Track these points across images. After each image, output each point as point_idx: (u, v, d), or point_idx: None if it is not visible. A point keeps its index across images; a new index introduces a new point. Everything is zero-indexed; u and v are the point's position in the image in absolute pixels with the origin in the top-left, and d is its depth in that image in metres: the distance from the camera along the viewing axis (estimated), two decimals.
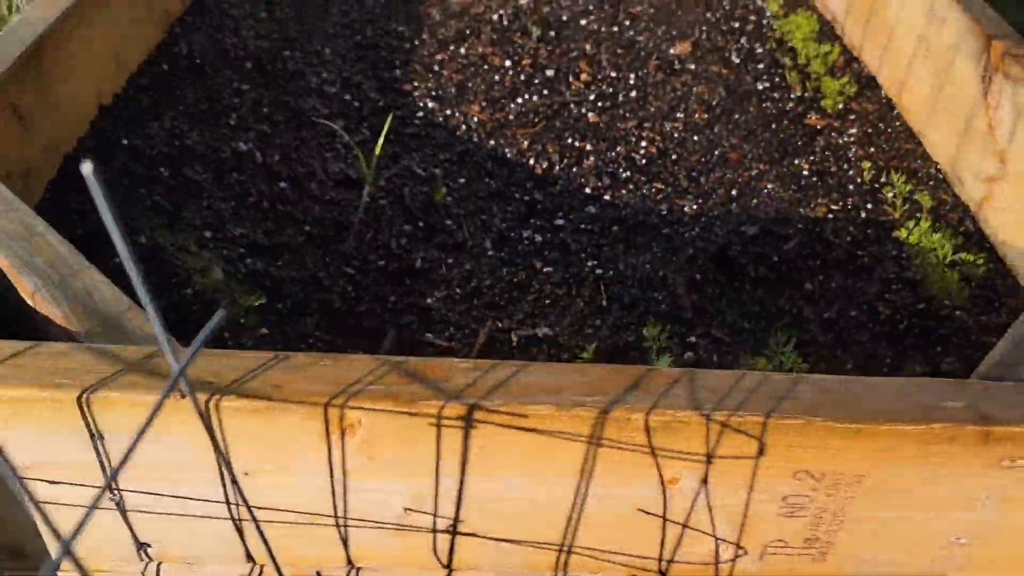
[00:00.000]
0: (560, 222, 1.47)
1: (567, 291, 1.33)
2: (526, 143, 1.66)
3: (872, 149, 1.67)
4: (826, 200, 1.54)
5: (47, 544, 0.86)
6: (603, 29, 2.08)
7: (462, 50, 1.96)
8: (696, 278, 1.36)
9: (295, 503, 0.83)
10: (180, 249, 1.29)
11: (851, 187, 1.58)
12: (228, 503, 0.83)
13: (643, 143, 1.68)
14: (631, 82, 1.88)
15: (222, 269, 1.28)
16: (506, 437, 0.78)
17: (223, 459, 0.77)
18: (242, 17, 1.98)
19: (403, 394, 0.77)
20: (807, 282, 1.37)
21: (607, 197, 1.54)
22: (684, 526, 0.85)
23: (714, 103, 1.81)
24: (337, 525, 0.84)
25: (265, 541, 0.70)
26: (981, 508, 0.83)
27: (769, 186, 1.58)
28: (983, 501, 0.82)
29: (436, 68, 1.89)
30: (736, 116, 1.77)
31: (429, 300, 1.30)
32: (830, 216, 1.50)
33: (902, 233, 1.43)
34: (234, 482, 0.80)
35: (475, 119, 1.73)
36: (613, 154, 1.65)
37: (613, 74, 1.90)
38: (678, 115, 1.77)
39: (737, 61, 1.96)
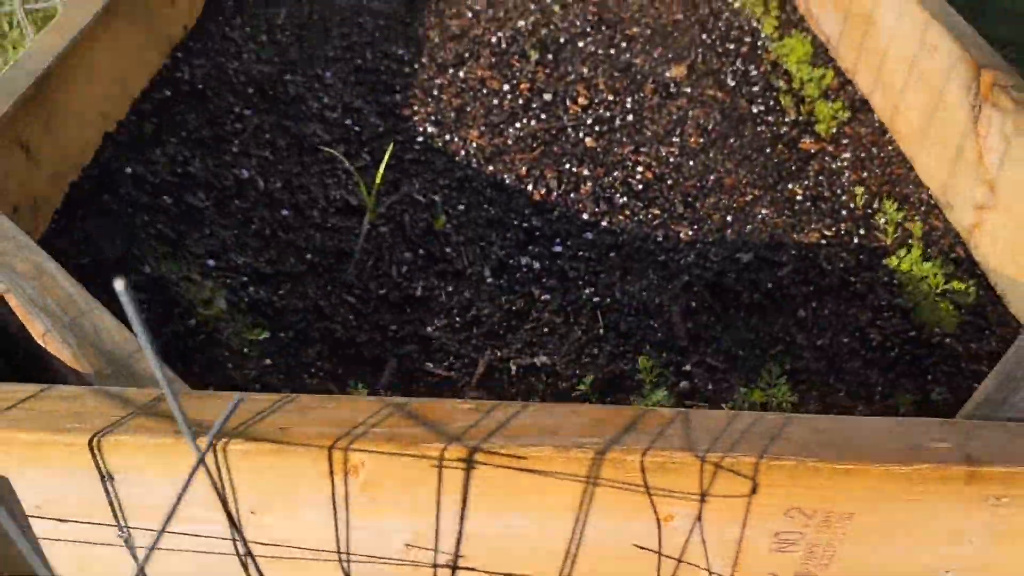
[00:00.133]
0: (558, 249, 1.50)
1: (565, 319, 1.35)
2: (524, 169, 1.69)
3: (865, 174, 1.70)
4: (819, 226, 1.57)
5: None
6: (600, 51, 2.10)
7: (461, 73, 1.99)
8: (691, 305, 1.39)
9: (300, 540, 0.85)
10: (183, 279, 1.31)
11: (844, 212, 1.60)
12: (234, 540, 0.85)
13: (639, 168, 1.71)
14: (628, 106, 1.90)
15: (225, 298, 1.31)
16: (506, 478, 0.80)
17: (225, 503, 0.79)
18: (243, 40, 2.01)
19: (405, 436, 0.79)
20: (800, 309, 1.39)
21: (604, 223, 1.56)
22: (679, 560, 0.87)
23: (709, 127, 1.83)
24: (340, 561, 0.86)
25: None
26: (968, 543, 0.85)
27: (763, 211, 1.61)
28: (970, 537, 0.85)
29: (435, 92, 1.92)
30: (731, 140, 1.80)
31: (429, 329, 1.32)
32: (823, 242, 1.53)
33: (893, 261, 1.45)
34: (232, 524, 0.82)
35: (474, 144, 1.75)
36: (610, 179, 1.68)
37: (610, 98, 1.93)
38: (674, 139, 1.80)
39: (732, 84, 1.98)
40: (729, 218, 1.59)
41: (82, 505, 0.82)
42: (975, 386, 1.23)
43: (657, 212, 1.60)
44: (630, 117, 1.86)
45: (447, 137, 1.78)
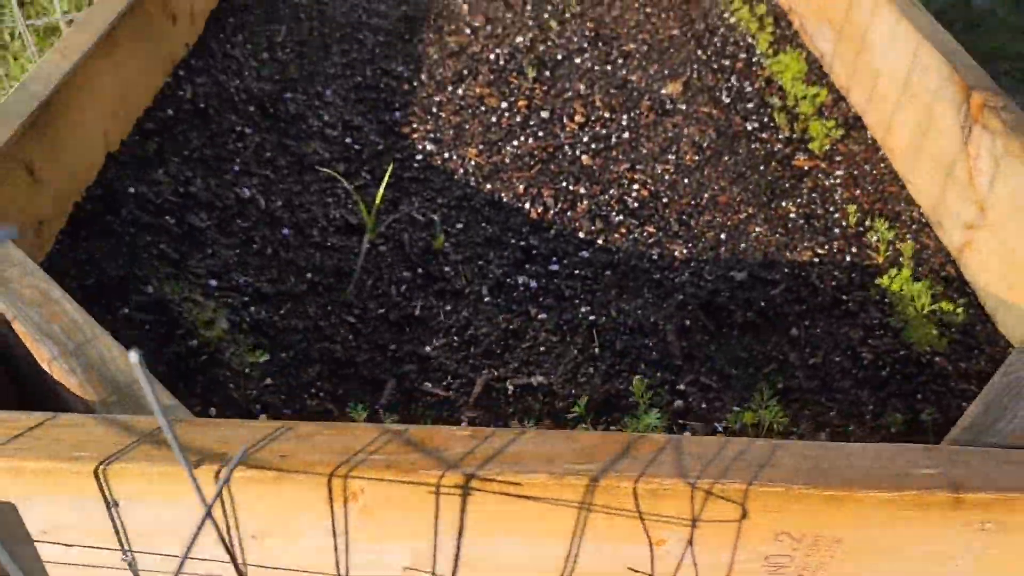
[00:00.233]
0: (555, 267, 1.52)
1: (561, 338, 1.37)
2: (522, 187, 1.71)
3: (858, 191, 1.72)
4: (812, 244, 1.59)
5: None
6: (597, 68, 2.13)
7: (460, 91, 2.01)
8: (686, 324, 1.41)
9: (300, 564, 0.87)
10: (185, 299, 1.33)
11: (836, 230, 1.62)
12: (235, 563, 0.87)
13: (635, 186, 1.73)
14: (624, 123, 1.93)
15: (227, 319, 1.33)
16: (502, 503, 0.82)
17: (221, 533, 0.81)
18: (244, 57, 2.03)
19: (403, 463, 0.81)
20: (793, 327, 1.41)
21: (600, 241, 1.59)
22: None
23: (704, 144, 1.86)
24: None
25: None
26: (955, 567, 0.87)
27: (757, 229, 1.63)
28: (957, 561, 0.87)
29: (434, 110, 1.94)
30: (725, 158, 1.82)
31: (428, 348, 1.34)
32: (816, 260, 1.55)
33: (884, 281, 1.47)
34: (228, 551, 0.84)
35: (472, 162, 1.78)
36: (606, 197, 1.70)
37: (607, 115, 1.95)
38: (669, 157, 1.82)
39: (727, 101, 2.01)
40: (723, 236, 1.61)
41: (87, 530, 0.84)
42: (964, 405, 1.25)
43: (652, 230, 1.62)
44: (626, 134, 1.89)
45: (446, 155, 1.80)
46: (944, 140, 1.59)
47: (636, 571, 0.88)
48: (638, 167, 1.79)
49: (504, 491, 0.81)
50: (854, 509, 0.82)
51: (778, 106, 1.97)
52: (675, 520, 0.83)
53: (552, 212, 1.65)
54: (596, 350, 1.35)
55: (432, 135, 1.86)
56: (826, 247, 1.58)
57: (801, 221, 1.65)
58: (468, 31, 2.26)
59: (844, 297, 1.47)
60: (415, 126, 1.89)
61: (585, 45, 2.22)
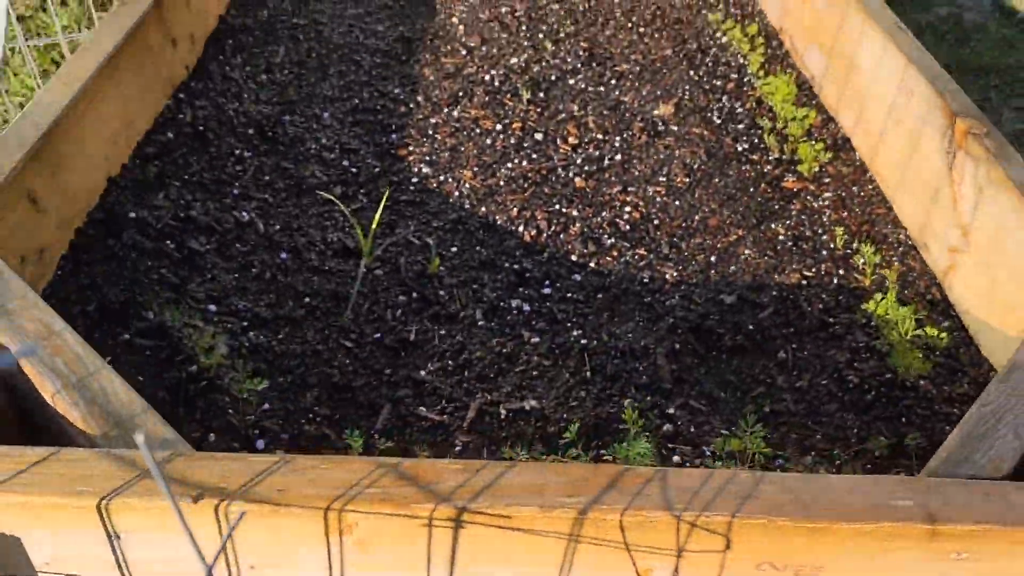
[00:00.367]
0: (547, 291, 1.55)
1: (553, 362, 1.40)
2: (516, 210, 1.74)
3: (846, 213, 1.75)
4: (800, 266, 1.62)
5: None
6: (590, 88, 2.16)
7: (455, 112, 2.04)
8: (676, 347, 1.44)
9: None
10: (186, 325, 1.36)
11: (824, 253, 1.66)
12: None
13: (627, 208, 1.76)
14: (616, 144, 1.96)
15: (226, 344, 1.35)
16: (493, 535, 0.85)
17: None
18: (243, 80, 2.06)
19: (397, 497, 0.84)
20: (780, 351, 1.44)
21: (592, 264, 1.61)
22: None
23: (695, 166, 1.89)
24: None
25: None
26: None
27: (746, 252, 1.66)
28: None
29: (430, 132, 1.97)
30: (716, 180, 1.85)
31: (423, 372, 1.37)
32: (803, 283, 1.58)
33: (871, 305, 1.50)
34: None
35: (467, 185, 1.81)
36: (598, 219, 1.73)
37: (599, 136, 1.98)
38: (660, 179, 1.85)
39: (718, 122, 2.04)
40: (713, 258, 1.64)
41: (90, 562, 0.86)
42: (948, 429, 1.28)
43: (643, 252, 1.65)
44: (618, 156, 1.92)
45: (441, 178, 1.83)
46: (929, 164, 1.62)
47: None
48: (630, 189, 1.82)
49: (495, 524, 0.84)
50: (834, 540, 0.85)
51: (768, 128, 2.00)
52: (661, 550, 0.86)
53: (545, 235, 1.68)
54: (588, 374, 1.38)
55: (428, 157, 1.89)
56: (813, 270, 1.61)
57: (789, 243, 1.68)
58: (464, 52, 2.30)
59: (831, 320, 1.50)
60: (411, 148, 1.92)
61: (579, 65, 2.25)
